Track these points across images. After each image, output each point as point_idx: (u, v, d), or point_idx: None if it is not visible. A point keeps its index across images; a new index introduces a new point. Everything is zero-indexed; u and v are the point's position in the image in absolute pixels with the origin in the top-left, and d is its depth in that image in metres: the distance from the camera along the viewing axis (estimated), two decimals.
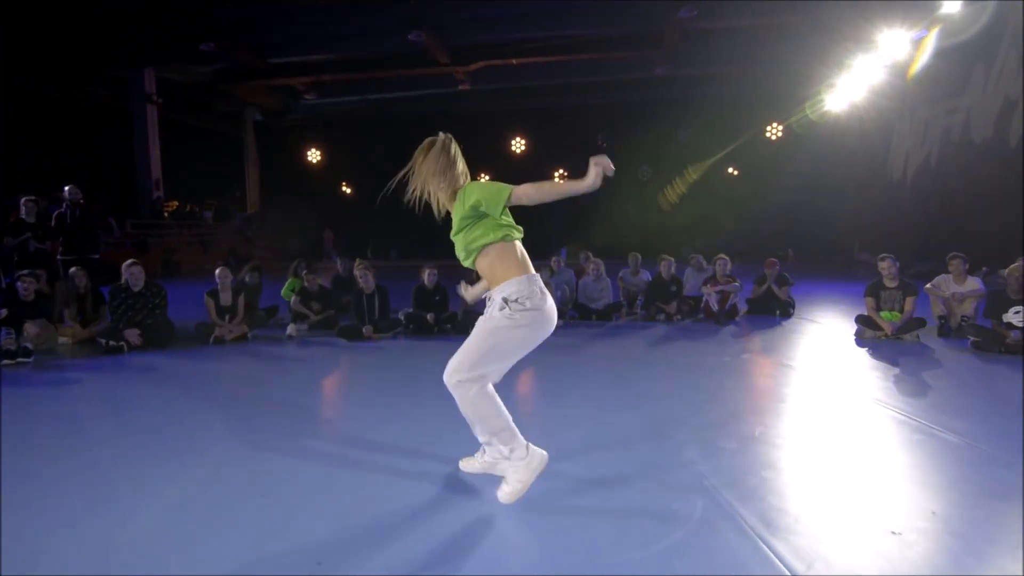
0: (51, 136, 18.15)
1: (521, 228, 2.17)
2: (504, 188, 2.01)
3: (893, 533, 1.93)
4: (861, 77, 14.21)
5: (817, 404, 3.51)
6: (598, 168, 1.90)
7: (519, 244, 2.17)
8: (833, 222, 17.26)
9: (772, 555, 1.80)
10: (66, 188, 6.86)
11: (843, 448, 2.77)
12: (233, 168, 23.39)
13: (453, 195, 2.14)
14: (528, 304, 2.04)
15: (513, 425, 2.13)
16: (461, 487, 2.32)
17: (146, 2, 14.70)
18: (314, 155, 23.35)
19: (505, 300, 2.05)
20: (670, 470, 2.48)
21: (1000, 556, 1.82)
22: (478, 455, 2.32)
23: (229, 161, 23.32)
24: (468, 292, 2.44)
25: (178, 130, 20.18)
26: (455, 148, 2.17)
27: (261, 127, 23.70)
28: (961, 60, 11.76)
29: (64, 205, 6.80)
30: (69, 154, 18.41)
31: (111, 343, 5.09)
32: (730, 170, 20.89)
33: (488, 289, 2.17)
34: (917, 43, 12.38)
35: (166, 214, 18.91)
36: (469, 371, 2.05)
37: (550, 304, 2.12)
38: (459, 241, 2.13)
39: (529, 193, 1.99)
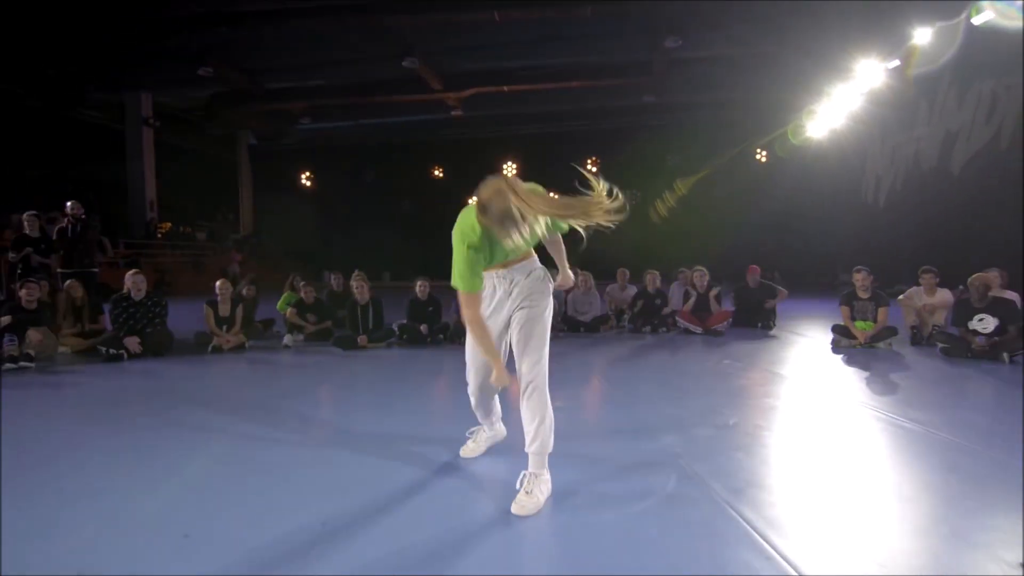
0: (42, 153, 18.34)
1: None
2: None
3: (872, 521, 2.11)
4: (840, 104, 14.79)
5: (790, 400, 3.70)
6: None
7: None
8: (817, 244, 17.68)
9: (755, 533, 1.98)
10: (68, 203, 7.04)
11: (810, 433, 2.96)
12: (227, 191, 23.65)
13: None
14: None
15: None
16: (452, 469, 2.49)
17: (144, 27, 15.03)
18: (308, 178, 23.68)
19: (541, 275, 2.23)
20: (649, 452, 2.66)
21: (956, 524, 2.01)
22: (471, 441, 2.60)
23: (223, 184, 23.59)
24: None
25: (171, 152, 20.41)
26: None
27: (255, 150, 24.06)
28: (922, 91, 12.48)
29: (66, 220, 6.97)
30: (60, 172, 18.62)
31: (111, 351, 5.21)
32: (717, 192, 21.31)
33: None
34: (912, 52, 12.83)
35: (160, 235, 19.06)
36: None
37: None
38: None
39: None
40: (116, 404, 3.79)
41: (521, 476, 2.12)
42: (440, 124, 20.41)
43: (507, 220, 1.84)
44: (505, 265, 2.18)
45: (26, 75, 15.97)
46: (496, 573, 1.68)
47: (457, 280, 2.08)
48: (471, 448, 2.59)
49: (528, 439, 2.13)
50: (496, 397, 2.53)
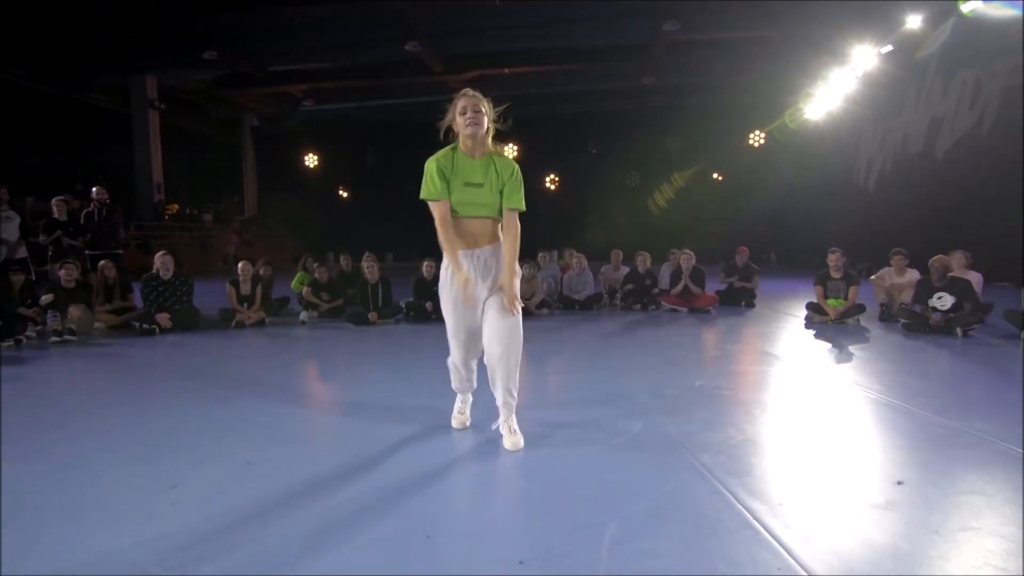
0: (48, 137, 18.68)
1: None
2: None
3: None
4: (836, 87, 15.06)
5: (754, 367, 4.19)
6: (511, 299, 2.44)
7: None
8: (812, 226, 18.07)
9: (695, 461, 2.48)
10: (93, 189, 7.48)
11: (762, 391, 3.45)
12: (231, 173, 24.01)
13: (483, 145, 2.47)
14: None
15: None
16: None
17: (150, 11, 15.26)
18: (311, 160, 24.00)
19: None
20: (624, 407, 3.15)
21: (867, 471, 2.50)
22: (460, 413, 2.80)
23: (227, 166, 23.95)
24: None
25: (175, 135, 20.73)
26: None
27: (258, 133, 24.35)
28: (911, 77, 12.78)
29: (92, 204, 7.42)
30: (67, 156, 18.99)
31: (144, 326, 5.71)
32: (715, 175, 21.66)
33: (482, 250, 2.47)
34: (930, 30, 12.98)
35: (167, 217, 19.50)
36: None
37: None
38: (491, 193, 2.43)
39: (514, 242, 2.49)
40: (159, 373, 4.30)
41: (504, 422, 2.55)
42: (441, 106, 20.61)
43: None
44: (478, 245, 2.45)
45: (32, 59, 16.26)
46: (498, 486, 2.18)
47: (425, 192, 2.41)
48: (462, 419, 2.79)
49: (509, 396, 2.51)
50: (475, 361, 2.68)
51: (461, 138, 2.46)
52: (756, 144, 21.27)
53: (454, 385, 2.79)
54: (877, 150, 14.54)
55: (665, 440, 2.61)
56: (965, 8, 10.53)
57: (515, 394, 2.54)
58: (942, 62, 11.48)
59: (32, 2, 13.81)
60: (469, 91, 2.45)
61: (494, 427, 2.63)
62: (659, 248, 9.24)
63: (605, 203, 20.79)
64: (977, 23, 10.21)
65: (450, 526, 1.86)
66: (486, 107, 2.45)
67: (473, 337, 2.58)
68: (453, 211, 2.44)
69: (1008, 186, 9.27)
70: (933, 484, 2.12)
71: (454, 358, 2.67)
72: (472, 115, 2.40)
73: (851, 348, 4.82)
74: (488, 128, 2.46)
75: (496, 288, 2.49)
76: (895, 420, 2.88)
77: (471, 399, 2.85)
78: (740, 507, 1.94)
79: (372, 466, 2.35)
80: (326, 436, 2.78)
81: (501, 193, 2.46)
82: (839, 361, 4.34)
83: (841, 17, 13.05)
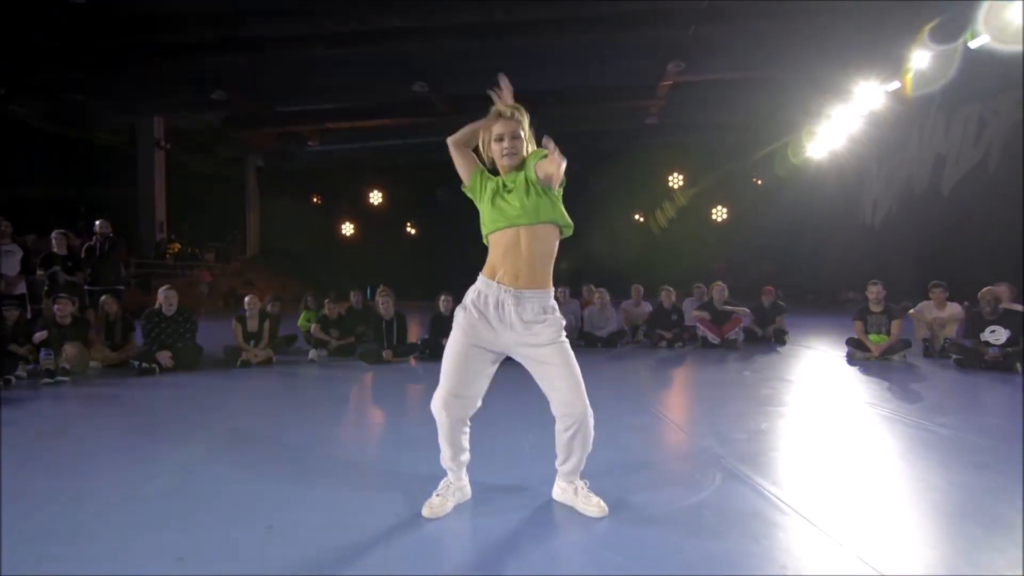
0: (50, 173, 18.62)
1: None
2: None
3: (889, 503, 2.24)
4: (839, 126, 15.12)
5: (815, 407, 3.82)
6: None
7: None
8: (818, 264, 17.88)
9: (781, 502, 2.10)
10: (97, 222, 7.20)
11: (840, 436, 3.08)
12: (234, 211, 23.95)
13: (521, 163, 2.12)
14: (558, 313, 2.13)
15: None
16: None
17: (159, 51, 15.38)
18: (315, 199, 23.99)
19: (554, 308, 2.11)
20: (693, 454, 2.77)
21: (974, 516, 2.13)
22: (437, 495, 2.18)
23: (230, 205, 23.90)
24: None
25: (179, 173, 20.72)
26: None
27: (262, 172, 24.42)
28: (915, 115, 12.78)
29: (94, 238, 7.13)
30: (70, 192, 18.89)
31: (144, 365, 5.32)
32: (719, 215, 21.57)
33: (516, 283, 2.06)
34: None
35: (168, 256, 19.26)
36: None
37: None
38: (547, 202, 2.04)
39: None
40: (155, 426, 3.91)
41: (578, 486, 2.16)
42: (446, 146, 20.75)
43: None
44: (517, 283, 2.05)
45: (40, 98, 16.34)
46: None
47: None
48: (438, 503, 2.14)
49: (574, 463, 2.15)
50: (468, 425, 2.17)
51: (497, 163, 2.18)
52: (757, 183, 21.32)
53: (444, 458, 2.20)
54: (883, 189, 14.49)
55: (758, 495, 2.23)
56: (973, 44, 10.58)
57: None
58: (944, 98, 11.50)
59: (45, 42, 13.90)
60: (506, 112, 2.12)
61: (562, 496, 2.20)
62: (667, 284, 8.96)
63: (610, 242, 20.65)
64: (977, 58, 10.23)
65: None
66: (525, 128, 2.14)
67: (470, 384, 2.11)
68: (487, 228, 2.12)
69: (1018, 220, 9.05)
70: None
71: (442, 392, 2.10)
72: (510, 143, 2.10)
73: (912, 387, 4.46)
74: (527, 148, 2.14)
75: (545, 336, 2.05)
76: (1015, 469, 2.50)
77: (456, 485, 2.22)
78: None
79: (424, 534, 1.97)
80: (359, 502, 2.39)
81: (547, 196, 2.03)
82: (908, 400, 3.96)
83: (847, 55, 13.16)
